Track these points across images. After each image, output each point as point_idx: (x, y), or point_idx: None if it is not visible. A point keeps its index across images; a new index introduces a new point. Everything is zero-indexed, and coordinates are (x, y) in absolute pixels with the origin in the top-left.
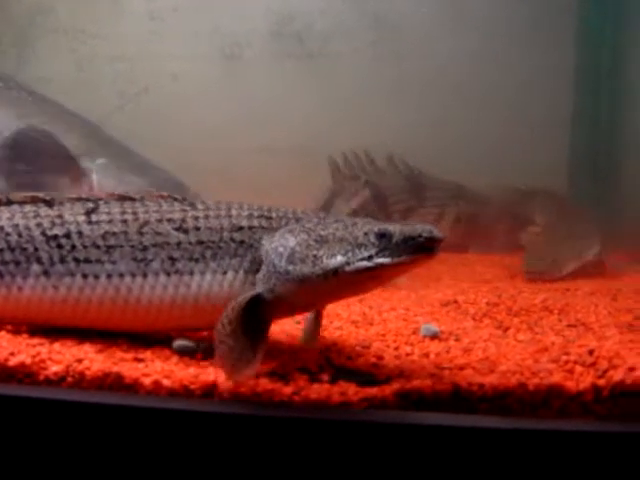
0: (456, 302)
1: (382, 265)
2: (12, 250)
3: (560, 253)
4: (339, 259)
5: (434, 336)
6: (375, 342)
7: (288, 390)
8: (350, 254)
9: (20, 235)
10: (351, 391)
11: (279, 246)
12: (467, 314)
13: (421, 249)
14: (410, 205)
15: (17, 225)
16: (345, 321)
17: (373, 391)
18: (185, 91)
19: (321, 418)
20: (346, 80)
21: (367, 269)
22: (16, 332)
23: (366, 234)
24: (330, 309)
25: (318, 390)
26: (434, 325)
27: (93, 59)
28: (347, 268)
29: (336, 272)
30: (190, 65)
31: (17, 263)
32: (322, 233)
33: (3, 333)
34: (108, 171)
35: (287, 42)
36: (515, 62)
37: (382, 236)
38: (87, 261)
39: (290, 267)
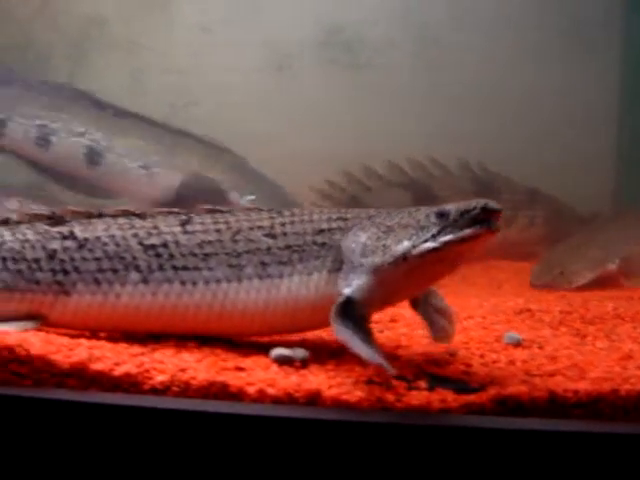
0: (529, 310)
1: (446, 243)
2: (110, 259)
3: (571, 264)
4: (405, 244)
5: (517, 344)
6: (460, 350)
7: (390, 397)
8: (415, 237)
9: (117, 245)
10: (450, 398)
11: (352, 243)
12: (543, 322)
13: (479, 222)
14: None
15: (114, 236)
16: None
17: (471, 398)
18: (235, 102)
19: (425, 424)
20: (395, 89)
21: (433, 249)
22: (114, 341)
23: (427, 216)
24: (413, 320)
25: (418, 397)
26: (516, 333)
27: (145, 71)
28: (414, 251)
29: (405, 257)
30: (240, 76)
31: (115, 271)
32: (388, 224)
33: (103, 342)
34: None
35: (336, 53)
36: (558, 69)
37: (441, 215)
38: (185, 268)
39: (363, 260)
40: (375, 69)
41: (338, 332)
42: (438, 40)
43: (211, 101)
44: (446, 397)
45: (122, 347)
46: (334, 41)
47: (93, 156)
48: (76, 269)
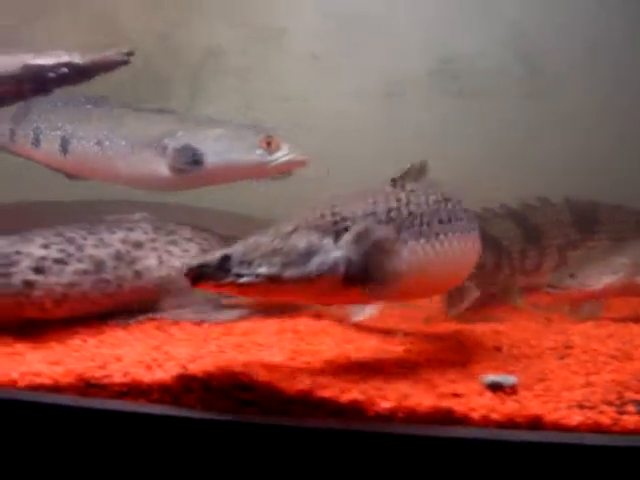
0: None
1: None
2: None
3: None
4: None
5: None
6: None
7: (606, 421)
8: None
9: None
10: None
11: None
12: None
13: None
14: (572, 239)
15: None
16: (605, 356)
17: None
18: (346, 128)
19: None
20: (503, 118)
21: None
22: (328, 367)
23: None
24: (588, 346)
25: (631, 421)
26: None
27: (260, 98)
28: None
29: None
30: (351, 103)
31: None
32: None
33: (319, 369)
34: None
35: (445, 81)
36: None
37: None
38: None
39: None
40: (483, 98)
41: None
42: (545, 69)
43: (322, 126)
44: None
45: (337, 374)
46: (444, 70)
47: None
48: None
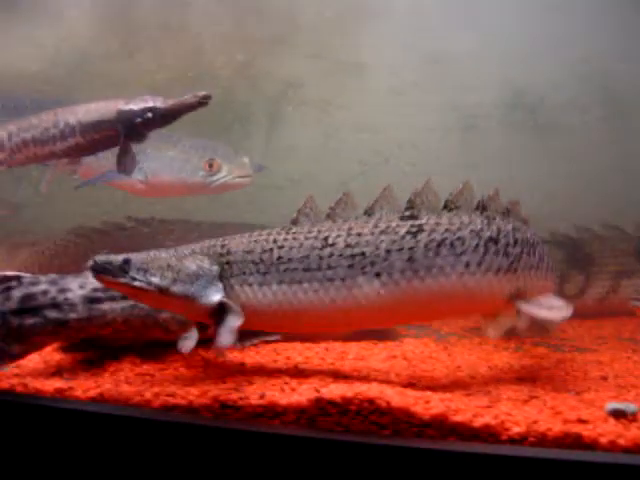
0: None
1: None
2: None
3: None
4: None
5: None
6: None
7: None
8: None
9: None
10: None
11: None
12: None
13: None
14: (626, 268)
15: None
16: None
17: None
18: (424, 160)
19: None
20: (577, 153)
21: None
22: (457, 392)
23: None
24: None
25: None
26: None
27: (338, 129)
28: None
29: None
30: (428, 135)
31: None
32: None
33: (448, 394)
34: None
35: (520, 114)
36: None
37: None
38: None
39: None
40: (557, 131)
41: None
42: (620, 102)
43: (400, 159)
44: None
45: (463, 399)
46: (519, 103)
47: None
48: None
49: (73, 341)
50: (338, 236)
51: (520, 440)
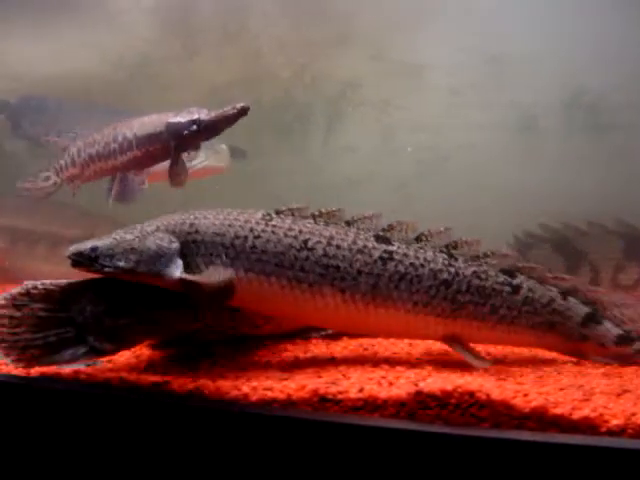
0: None
1: None
2: None
3: None
4: None
5: None
6: None
7: None
8: None
9: None
10: None
11: None
12: None
13: None
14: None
15: None
16: None
17: None
18: (481, 160)
19: None
20: (637, 153)
21: None
22: (553, 387)
23: None
24: None
25: None
26: None
27: (396, 129)
28: None
29: None
30: (486, 135)
31: None
32: None
33: (546, 388)
34: None
35: (579, 114)
36: None
37: None
38: None
39: None
40: (617, 131)
41: None
42: None
43: (459, 158)
44: None
45: (559, 393)
46: (578, 103)
47: None
48: None
49: (165, 338)
50: (318, 242)
51: (619, 432)
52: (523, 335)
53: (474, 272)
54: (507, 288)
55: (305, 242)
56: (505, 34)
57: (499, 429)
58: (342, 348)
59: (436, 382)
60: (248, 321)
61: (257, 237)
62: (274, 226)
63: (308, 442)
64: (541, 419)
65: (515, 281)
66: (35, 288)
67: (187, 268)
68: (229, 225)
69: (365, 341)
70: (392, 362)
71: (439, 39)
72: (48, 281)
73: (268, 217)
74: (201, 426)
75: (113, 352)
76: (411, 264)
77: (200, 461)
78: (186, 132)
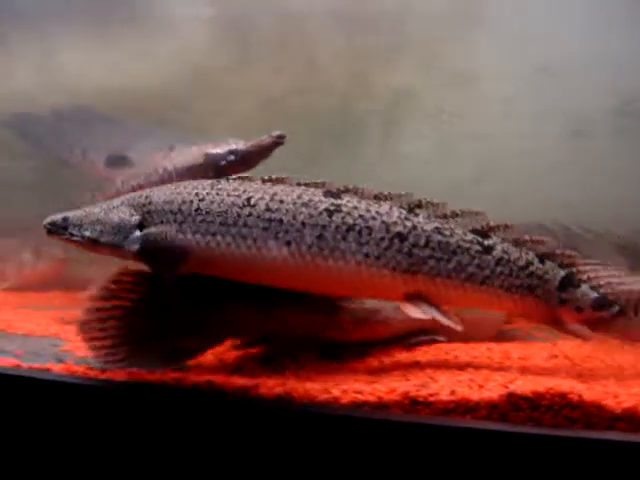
0: None
1: None
2: None
3: None
4: None
5: None
6: None
7: None
8: None
9: None
10: None
11: None
12: None
13: None
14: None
15: None
16: None
17: None
18: (533, 166)
19: None
20: None
21: None
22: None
23: None
24: None
25: None
26: None
27: (451, 137)
28: None
29: None
30: (537, 143)
31: None
32: None
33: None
34: None
35: (630, 121)
36: None
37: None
38: None
39: None
40: None
41: None
42: None
43: (511, 165)
44: None
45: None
46: (628, 110)
47: None
48: None
49: (250, 339)
50: (261, 199)
51: None
52: (498, 297)
53: (436, 228)
54: (476, 247)
55: (248, 199)
56: (556, 42)
57: (591, 430)
58: (423, 352)
59: (526, 384)
60: (339, 327)
61: (201, 200)
62: (219, 189)
63: (400, 443)
64: (632, 420)
65: (487, 241)
66: (122, 288)
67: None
68: (178, 193)
69: (444, 346)
70: (476, 366)
71: (491, 48)
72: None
73: (215, 183)
74: (292, 429)
75: (200, 352)
76: (360, 216)
77: (291, 464)
78: (224, 162)
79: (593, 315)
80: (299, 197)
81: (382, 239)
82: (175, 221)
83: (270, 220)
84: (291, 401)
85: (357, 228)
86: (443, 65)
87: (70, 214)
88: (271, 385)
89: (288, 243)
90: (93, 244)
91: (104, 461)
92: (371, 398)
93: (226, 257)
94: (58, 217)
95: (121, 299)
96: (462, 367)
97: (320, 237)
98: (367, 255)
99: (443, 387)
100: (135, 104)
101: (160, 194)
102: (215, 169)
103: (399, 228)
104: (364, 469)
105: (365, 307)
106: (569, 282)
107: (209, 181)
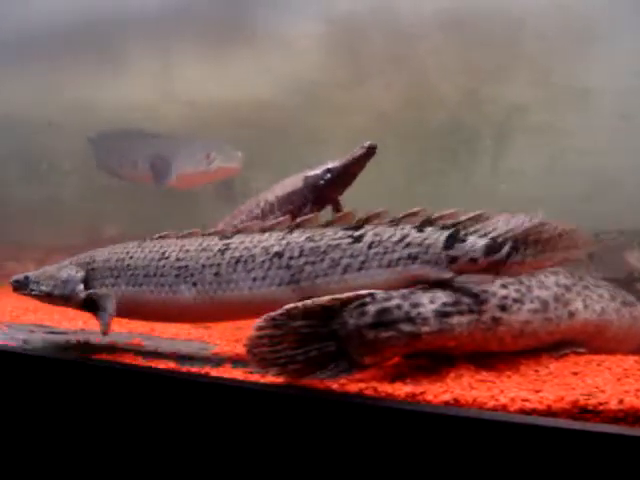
0: None
1: None
2: None
3: None
4: None
5: None
6: None
7: None
8: None
9: None
10: None
11: None
12: None
13: None
14: None
15: None
16: None
17: None
18: None
19: None
20: None
21: None
22: None
23: None
24: None
25: None
26: None
27: (563, 153)
28: None
29: None
30: None
31: None
32: None
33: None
34: None
35: None
36: None
37: None
38: None
39: None
40: None
41: None
42: None
43: (629, 181)
44: None
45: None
46: None
47: None
48: None
49: (417, 352)
50: (173, 251)
51: None
52: (381, 276)
53: (307, 237)
54: (346, 240)
55: (163, 253)
56: None
57: None
58: (574, 364)
59: None
60: (499, 340)
61: (131, 257)
62: (143, 247)
63: (567, 451)
64: None
65: (358, 232)
66: (295, 308)
67: (87, 289)
68: (114, 252)
69: (595, 358)
70: (632, 376)
71: (606, 63)
72: (308, 301)
73: (140, 242)
74: (462, 435)
75: (371, 366)
76: (245, 247)
77: (461, 469)
78: (322, 182)
79: (489, 261)
80: (200, 245)
81: (264, 262)
82: (112, 276)
83: (179, 267)
84: (460, 408)
85: (243, 259)
86: (556, 80)
87: (30, 273)
88: (437, 392)
89: (194, 284)
90: (48, 297)
91: (272, 462)
92: (539, 406)
93: (150, 303)
94: (21, 276)
95: (292, 327)
96: (620, 378)
97: (217, 274)
98: (255, 279)
99: (611, 396)
100: (252, 116)
101: (101, 254)
102: (314, 190)
103: (276, 248)
104: (534, 475)
105: (520, 319)
106: (454, 239)
107: (136, 242)
